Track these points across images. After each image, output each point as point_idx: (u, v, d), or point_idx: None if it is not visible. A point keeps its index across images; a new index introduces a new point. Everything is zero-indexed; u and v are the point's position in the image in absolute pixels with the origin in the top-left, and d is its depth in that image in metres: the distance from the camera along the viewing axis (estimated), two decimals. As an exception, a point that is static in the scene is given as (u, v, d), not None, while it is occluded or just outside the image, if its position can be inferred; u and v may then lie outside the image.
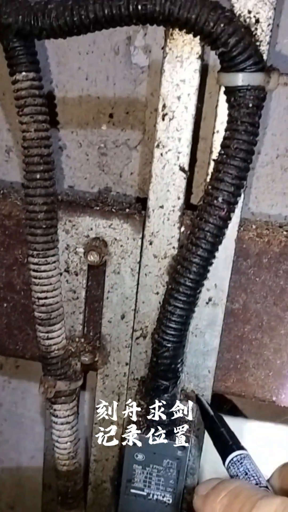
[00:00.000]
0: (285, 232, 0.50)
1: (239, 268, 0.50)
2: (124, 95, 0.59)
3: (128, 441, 0.50)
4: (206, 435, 0.54)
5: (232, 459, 0.44)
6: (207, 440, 0.54)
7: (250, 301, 0.51)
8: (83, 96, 0.61)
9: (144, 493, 0.52)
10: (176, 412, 0.50)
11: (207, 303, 0.50)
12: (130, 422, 0.51)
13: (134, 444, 0.50)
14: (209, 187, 0.43)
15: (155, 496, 0.52)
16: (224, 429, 0.48)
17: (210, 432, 0.49)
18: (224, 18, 0.40)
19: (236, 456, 0.44)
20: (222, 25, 0.40)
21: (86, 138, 0.62)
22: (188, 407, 0.52)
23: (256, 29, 0.42)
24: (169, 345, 0.46)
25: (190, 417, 0.52)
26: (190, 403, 0.52)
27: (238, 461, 0.44)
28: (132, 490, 0.52)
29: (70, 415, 0.54)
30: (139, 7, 0.40)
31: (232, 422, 0.49)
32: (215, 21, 0.39)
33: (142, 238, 0.50)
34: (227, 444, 0.46)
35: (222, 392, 0.54)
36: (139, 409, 0.52)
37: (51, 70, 0.60)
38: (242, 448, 0.45)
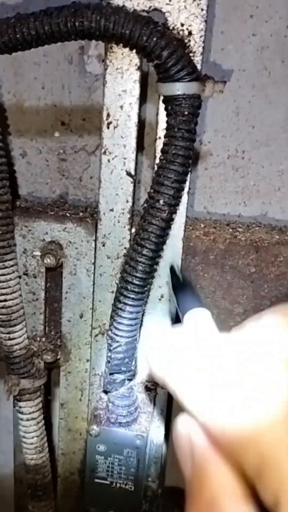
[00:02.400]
0: (230, 230, 0.53)
1: (188, 265, 0.53)
2: (79, 103, 0.62)
3: (90, 433, 0.52)
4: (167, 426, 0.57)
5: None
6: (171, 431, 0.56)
7: (200, 296, 0.54)
8: (40, 104, 0.63)
9: (108, 482, 0.54)
10: (134, 404, 0.53)
11: (159, 299, 0.53)
12: (91, 415, 0.54)
13: (96, 435, 0.53)
14: (152, 190, 0.46)
15: (118, 485, 0.54)
16: (188, 290, 0.46)
17: (177, 297, 0.46)
18: (157, 32, 0.42)
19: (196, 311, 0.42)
20: (155, 39, 0.42)
21: (46, 145, 0.64)
22: (147, 398, 0.54)
23: (189, 40, 0.45)
24: (121, 340, 0.48)
25: (149, 408, 0.55)
26: (149, 394, 0.55)
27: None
28: (96, 480, 0.55)
29: (35, 411, 0.56)
30: (76, 23, 0.42)
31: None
32: (148, 35, 0.42)
33: (95, 240, 0.52)
34: (189, 302, 0.43)
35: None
36: (100, 402, 0.54)
37: (9, 80, 0.62)
38: (204, 306, 0.43)
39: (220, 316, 0.54)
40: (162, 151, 0.45)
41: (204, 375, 0.28)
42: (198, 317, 0.38)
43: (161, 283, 0.52)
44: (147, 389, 0.56)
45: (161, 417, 0.57)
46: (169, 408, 0.59)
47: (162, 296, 0.53)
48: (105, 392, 0.52)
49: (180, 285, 0.47)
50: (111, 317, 0.49)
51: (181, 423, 0.30)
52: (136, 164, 0.51)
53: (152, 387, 0.56)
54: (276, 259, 0.51)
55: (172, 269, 0.49)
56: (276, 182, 0.63)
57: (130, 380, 0.51)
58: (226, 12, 0.55)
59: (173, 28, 0.45)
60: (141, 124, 0.56)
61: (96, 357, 0.56)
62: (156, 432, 0.57)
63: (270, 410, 0.25)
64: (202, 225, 0.54)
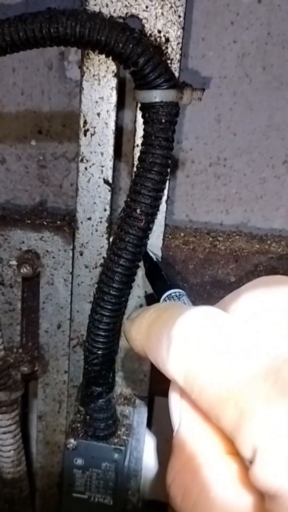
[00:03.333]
0: (210, 239, 0.52)
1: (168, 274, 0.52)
2: (59, 109, 0.61)
3: (67, 446, 0.51)
4: (147, 439, 0.56)
5: (170, 294, 0.43)
6: (150, 443, 0.56)
7: (175, 278, 0.53)
8: (20, 110, 0.62)
9: (86, 497, 0.53)
10: (112, 416, 0.52)
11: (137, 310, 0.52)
12: (69, 428, 0.52)
13: (73, 449, 0.51)
14: (128, 199, 0.45)
15: (96, 499, 0.53)
16: (164, 273, 0.46)
17: (151, 277, 0.47)
18: (133, 39, 0.42)
19: (174, 292, 0.43)
20: (131, 45, 0.42)
21: (25, 151, 0.64)
22: (126, 411, 0.53)
23: (166, 48, 0.44)
24: (99, 352, 0.47)
25: (128, 421, 0.54)
26: (128, 407, 0.54)
27: (176, 296, 0.43)
28: (74, 494, 0.53)
29: (12, 424, 0.55)
30: (51, 30, 0.42)
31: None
32: (124, 42, 0.41)
33: (73, 249, 0.51)
34: (165, 283, 0.44)
35: (159, 394, 0.56)
36: (78, 415, 0.53)
37: (-13, 86, 0.61)
38: (181, 288, 0.44)
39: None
40: (140, 159, 0.45)
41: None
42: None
43: (140, 293, 0.51)
44: (126, 401, 0.55)
45: (140, 429, 0.56)
46: (149, 420, 0.58)
47: (141, 306, 0.52)
48: (83, 404, 0.51)
49: (154, 268, 0.46)
50: (88, 328, 0.48)
51: (172, 387, 0.30)
52: (114, 172, 0.51)
53: (131, 399, 0.55)
54: (256, 268, 0.50)
55: (146, 253, 0.49)
56: (258, 190, 0.63)
57: (108, 392, 0.50)
58: (206, 18, 0.55)
59: (150, 35, 0.44)
60: (120, 131, 0.56)
61: (75, 369, 0.55)
62: (135, 445, 0.56)
63: (250, 366, 0.25)
64: (182, 234, 0.53)
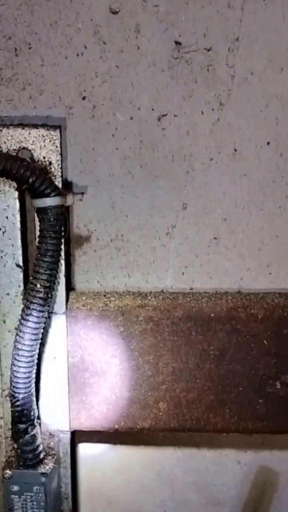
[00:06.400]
0: (105, 299, 0.68)
1: (73, 330, 0.68)
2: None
3: (4, 476, 0.64)
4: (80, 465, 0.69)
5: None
6: (82, 470, 0.68)
7: (85, 354, 0.68)
8: None
9: (23, 518, 0.66)
10: (38, 448, 0.65)
11: (53, 360, 0.67)
12: (5, 461, 0.66)
13: (9, 478, 0.65)
14: (31, 277, 0.61)
15: (32, 519, 0.66)
16: None
17: None
18: (23, 165, 0.59)
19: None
20: (21, 170, 0.59)
21: None
22: (51, 444, 0.67)
23: (50, 168, 0.62)
24: (19, 396, 0.62)
25: (53, 451, 0.67)
26: (54, 440, 0.68)
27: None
28: (14, 517, 0.66)
29: None
30: None
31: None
32: (16, 168, 0.59)
33: (-3, 319, 0.67)
34: None
35: (78, 428, 0.70)
36: (13, 451, 0.67)
37: None
38: None
39: (103, 368, 0.69)
40: (37, 247, 0.61)
41: None
42: None
43: (53, 345, 0.67)
44: (51, 435, 0.68)
45: (66, 459, 0.70)
46: (72, 450, 0.72)
47: (55, 357, 0.67)
48: (13, 440, 0.65)
49: None
50: (10, 378, 0.62)
51: None
52: (26, 257, 0.67)
53: (55, 434, 0.69)
54: (138, 318, 0.66)
55: None
56: (151, 257, 0.80)
57: (32, 429, 0.64)
58: (93, 134, 0.73)
59: (38, 160, 0.62)
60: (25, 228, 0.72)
61: (8, 415, 0.69)
62: (64, 472, 0.69)
63: None
64: (84, 298, 0.69)
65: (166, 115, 0.74)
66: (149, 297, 0.68)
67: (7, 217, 0.63)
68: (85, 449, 0.80)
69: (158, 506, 0.91)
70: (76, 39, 0.72)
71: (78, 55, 0.72)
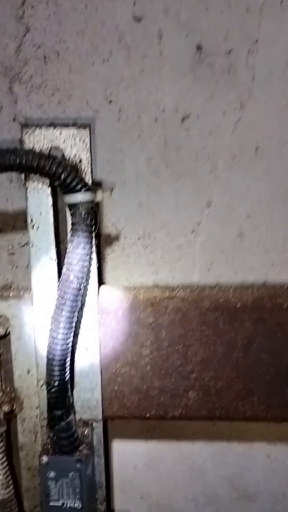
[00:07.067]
0: (134, 291, 0.71)
1: (105, 321, 0.71)
2: (21, 209, 0.81)
3: (41, 463, 0.67)
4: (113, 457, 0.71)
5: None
6: (115, 462, 0.70)
7: (116, 345, 0.71)
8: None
9: (60, 504, 0.68)
10: (73, 435, 0.68)
11: (86, 350, 0.70)
12: (42, 448, 0.68)
13: (46, 464, 0.67)
14: (65, 269, 0.64)
15: (68, 505, 0.68)
16: None
17: None
18: (55, 163, 0.63)
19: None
20: (54, 167, 0.62)
21: (-2, 243, 0.83)
22: (86, 432, 0.70)
23: (80, 165, 0.65)
24: (55, 383, 0.64)
25: (88, 439, 0.70)
26: (87, 429, 0.70)
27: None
28: (51, 503, 0.68)
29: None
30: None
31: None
32: (49, 165, 0.62)
33: (33, 311, 0.70)
34: None
35: (110, 416, 0.73)
36: (49, 439, 0.69)
37: None
38: None
39: (133, 359, 0.71)
40: (69, 240, 0.64)
41: None
42: None
43: (86, 336, 0.69)
44: (85, 424, 0.71)
45: (99, 447, 0.72)
46: (106, 442, 0.74)
47: (87, 348, 0.70)
48: (49, 427, 0.67)
49: None
50: (46, 365, 0.65)
51: None
52: (59, 250, 0.70)
53: (89, 422, 0.71)
54: (167, 310, 0.69)
55: None
56: (177, 254, 0.82)
57: (67, 416, 0.67)
58: (120, 135, 0.76)
59: (68, 158, 0.65)
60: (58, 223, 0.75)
61: (44, 404, 0.71)
62: (97, 461, 0.72)
63: None
64: (115, 291, 0.72)
65: (189, 116, 0.77)
66: (176, 290, 0.70)
67: (40, 213, 0.67)
68: (117, 443, 0.82)
69: (190, 501, 0.92)
70: (102, 46, 0.76)
71: (104, 61, 0.76)
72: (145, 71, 0.76)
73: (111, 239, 0.82)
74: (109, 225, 0.81)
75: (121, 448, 0.87)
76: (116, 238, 0.82)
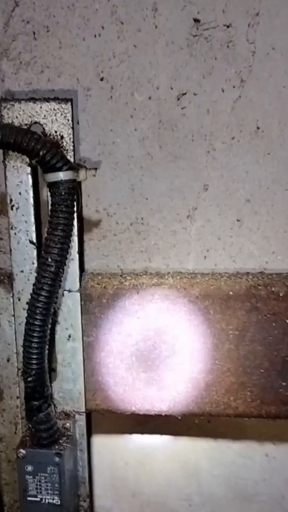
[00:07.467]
0: (119, 278, 0.67)
1: (88, 309, 0.67)
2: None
3: (18, 455, 0.64)
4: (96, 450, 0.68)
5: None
6: (99, 455, 0.67)
7: (100, 334, 0.67)
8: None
9: (38, 499, 0.65)
10: (52, 427, 0.64)
11: (67, 339, 0.66)
12: (20, 441, 0.65)
13: (23, 457, 0.64)
14: (43, 252, 0.61)
15: (47, 500, 0.65)
16: None
17: None
18: (33, 138, 0.59)
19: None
20: (32, 143, 0.59)
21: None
22: (67, 424, 0.66)
23: (62, 142, 0.62)
24: (32, 372, 0.61)
25: (69, 432, 0.66)
26: (69, 421, 0.67)
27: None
28: (28, 498, 0.65)
29: (-22, 445, 0.68)
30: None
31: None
32: (27, 141, 0.59)
33: (13, 296, 0.67)
34: None
35: (94, 409, 0.69)
36: (28, 431, 0.66)
37: None
38: None
39: (118, 349, 0.67)
40: (49, 222, 0.61)
41: None
42: None
43: (68, 325, 0.66)
44: (66, 416, 0.67)
45: (82, 441, 0.68)
46: (89, 433, 0.70)
47: (69, 336, 0.66)
48: (27, 419, 0.64)
49: None
50: (22, 354, 0.62)
51: None
52: (40, 234, 0.67)
53: (71, 414, 0.68)
54: (153, 297, 0.64)
55: None
56: (172, 240, 0.78)
57: (46, 407, 0.63)
58: (112, 114, 0.72)
59: (50, 135, 0.62)
60: (38, 204, 0.72)
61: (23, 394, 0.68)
62: (80, 455, 0.68)
63: None
64: (100, 277, 0.68)
65: (185, 93, 0.73)
66: (166, 277, 0.66)
67: (20, 193, 0.64)
68: (108, 438, 0.79)
69: (183, 500, 0.88)
70: (93, 20, 0.72)
71: (95, 36, 0.72)
72: (139, 46, 0.72)
73: (102, 224, 0.78)
74: (100, 210, 0.77)
75: (112, 443, 0.84)
76: (108, 223, 0.78)
